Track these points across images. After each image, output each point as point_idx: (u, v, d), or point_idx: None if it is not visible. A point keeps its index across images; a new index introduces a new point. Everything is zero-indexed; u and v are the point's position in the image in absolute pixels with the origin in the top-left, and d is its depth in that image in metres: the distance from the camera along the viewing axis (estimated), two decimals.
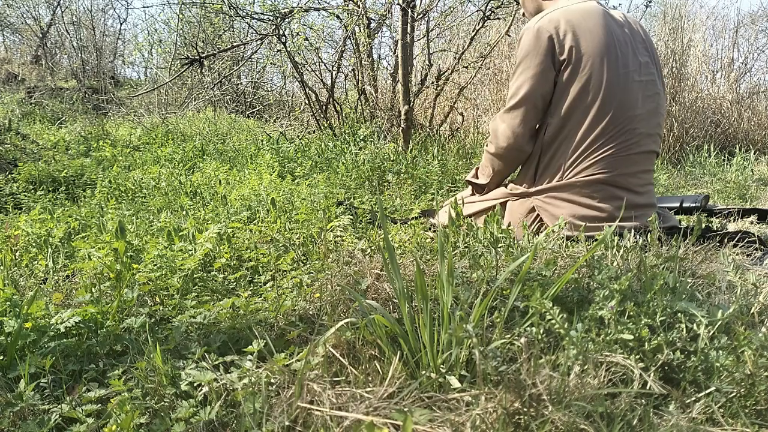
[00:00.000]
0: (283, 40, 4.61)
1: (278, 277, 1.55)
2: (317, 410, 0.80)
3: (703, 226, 1.76)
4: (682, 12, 6.35)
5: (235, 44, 6.07)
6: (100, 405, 0.90)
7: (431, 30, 5.13)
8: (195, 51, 5.14)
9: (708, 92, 6.45)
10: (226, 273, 1.60)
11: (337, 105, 5.18)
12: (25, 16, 9.60)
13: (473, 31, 4.51)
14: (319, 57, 5.32)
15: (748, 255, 1.68)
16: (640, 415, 0.78)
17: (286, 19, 4.58)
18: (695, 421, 0.78)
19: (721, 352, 0.86)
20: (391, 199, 2.75)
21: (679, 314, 0.93)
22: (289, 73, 6.26)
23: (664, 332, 0.91)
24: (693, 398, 0.83)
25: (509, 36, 4.58)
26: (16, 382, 0.96)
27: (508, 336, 0.93)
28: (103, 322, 1.18)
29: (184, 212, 2.36)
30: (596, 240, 1.20)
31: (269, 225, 1.92)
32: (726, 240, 1.72)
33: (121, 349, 1.13)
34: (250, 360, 0.97)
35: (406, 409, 0.77)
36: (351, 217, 2.03)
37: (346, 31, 5.02)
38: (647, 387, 0.80)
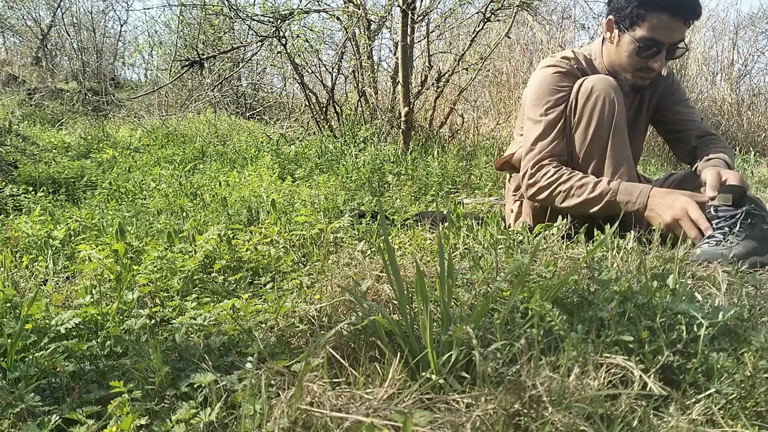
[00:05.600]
0: (284, 42, 4.62)
1: (278, 278, 1.55)
2: (317, 412, 0.80)
3: None
4: None
5: (235, 46, 6.08)
6: (100, 406, 0.89)
7: (431, 32, 5.14)
8: (195, 53, 5.14)
9: (708, 94, 6.46)
10: (226, 274, 1.60)
11: (337, 107, 5.19)
12: (25, 17, 9.62)
13: (473, 33, 4.52)
14: (320, 59, 5.33)
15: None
16: (640, 416, 0.78)
17: (287, 21, 4.59)
18: (695, 423, 0.78)
19: (721, 353, 0.86)
20: (391, 201, 2.75)
21: (679, 316, 0.93)
22: (289, 75, 6.27)
23: (665, 334, 0.91)
24: (693, 400, 0.83)
25: (509, 38, 4.59)
26: (16, 383, 0.96)
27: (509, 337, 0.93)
28: (103, 324, 1.18)
29: (185, 214, 2.36)
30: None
31: (269, 227, 1.92)
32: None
33: (121, 351, 1.13)
34: (250, 361, 0.97)
35: (406, 411, 0.77)
36: (353, 219, 2.03)
37: (347, 32, 5.03)
38: (647, 388, 0.81)
